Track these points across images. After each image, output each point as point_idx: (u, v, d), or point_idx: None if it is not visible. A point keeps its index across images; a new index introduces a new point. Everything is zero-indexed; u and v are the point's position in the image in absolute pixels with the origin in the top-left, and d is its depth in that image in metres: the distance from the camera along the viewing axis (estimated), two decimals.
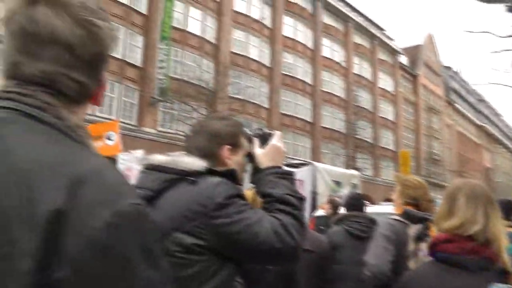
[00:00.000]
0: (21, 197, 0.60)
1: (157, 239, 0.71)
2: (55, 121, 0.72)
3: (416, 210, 2.69)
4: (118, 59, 20.38)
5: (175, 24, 23.24)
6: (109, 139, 8.34)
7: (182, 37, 23.85)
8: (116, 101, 21.06)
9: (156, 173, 1.40)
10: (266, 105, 27.94)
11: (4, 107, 0.71)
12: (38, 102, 0.72)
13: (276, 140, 1.57)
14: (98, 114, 18.93)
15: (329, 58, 33.48)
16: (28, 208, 0.60)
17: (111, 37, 0.81)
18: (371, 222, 3.67)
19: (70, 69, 0.76)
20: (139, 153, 8.09)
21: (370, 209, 4.42)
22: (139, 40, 22.28)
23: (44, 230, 0.58)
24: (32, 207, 0.60)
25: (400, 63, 41.84)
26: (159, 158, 1.45)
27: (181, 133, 20.24)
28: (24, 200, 0.60)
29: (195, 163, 1.39)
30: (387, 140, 37.82)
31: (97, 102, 0.84)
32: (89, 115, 19.04)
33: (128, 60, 21.32)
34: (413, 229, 2.61)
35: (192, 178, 1.35)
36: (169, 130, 22.29)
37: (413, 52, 44.51)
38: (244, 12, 27.77)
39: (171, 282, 0.72)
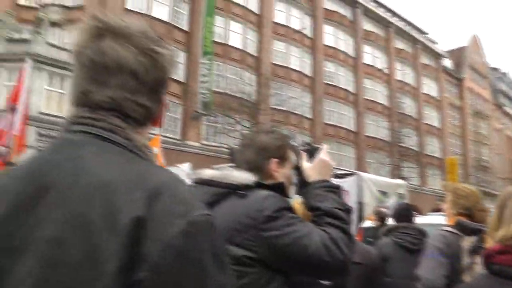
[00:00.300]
0: (104, 208, 0.68)
1: (224, 247, 0.79)
2: (125, 141, 0.80)
3: (470, 220, 2.59)
4: None
5: (216, 39, 23.71)
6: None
7: (224, 51, 24.27)
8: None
9: (206, 187, 1.44)
10: (308, 116, 27.79)
11: (79, 131, 0.80)
12: (110, 125, 0.80)
13: (324, 154, 1.58)
14: None
15: (371, 65, 33.00)
16: (111, 217, 0.67)
17: (171, 63, 0.89)
18: (421, 233, 3.57)
19: (136, 94, 0.83)
20: (185, 166, 8.25)
21: (419, 220, 4.30)
22: (181, 56, 22.83)
23: (127, 236, 0.66)
24: (114, 217, 0.67)
25: (444, 66, 40.61)
26: (209, 172, 1.49)
27: (225, 145, 20.49)
28: (107, 211, 0.68)
29: (244, 176, 1.43)
30: (432, 147, 36.61)
31: (158, 123, 0.91)
32: None
33: (171, 76, 21.84)
34: (467, 241, 2.51)
35: (241, 192, 1.39)
36: (213, 143, 22.61)
37: (458, 54, 43.08)
38: (284, 23, 27.93)
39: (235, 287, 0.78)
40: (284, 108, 25.20)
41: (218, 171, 1.48)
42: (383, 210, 5.12)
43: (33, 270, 0.67)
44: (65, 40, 21.80)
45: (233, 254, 1.29)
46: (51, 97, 19.63)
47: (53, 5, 21.99)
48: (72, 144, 0.79)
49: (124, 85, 0.82)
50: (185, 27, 23.46)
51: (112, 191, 0.70)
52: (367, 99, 31.96)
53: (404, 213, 3.87)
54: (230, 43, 24.90)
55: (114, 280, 0.64)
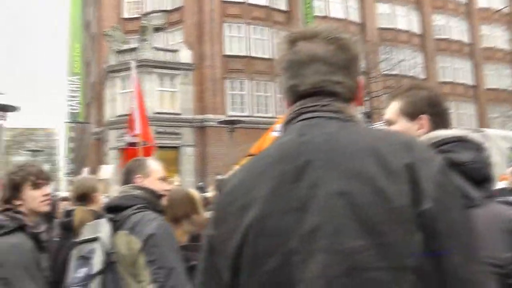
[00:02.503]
0: (376, 162, 0.86)
1: None
2: (342, 115, 0.97)
3: None
4: (267, 59, 21.35)
5: (316, 13, 23.42)
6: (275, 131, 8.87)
7: (325, 23, 23.78)
8: (272, 99, 22.14)
9: None
10: (422, 76, 26.32)
11: (308, 118, 0.98)
12: (325, 106, 0.98)
13: None
14: (256, 114, 19.99)
15: (487, 8, 29.64)
16: (385, 167, 0.85)
17: (355, 44, 1.05)
18: None
19: (329, 75, 1.00)
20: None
21: None
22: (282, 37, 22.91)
23: (405, 178, 0.84)
24: (388, 166, 0.86)
25: None
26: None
27: None
28: (380, 163, 0.86)
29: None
30: None
31: (359, 102, 1.07)
32: (248, 116, 20.27)
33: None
34: None
35: None
36: None
37: None
38: None
39: None
40: (395, 73, 23.97)
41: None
42: None
43: (324, 219, 0.84)
44: (170, 42, 23.15)
45: None
46: (163, 97, 20.99)
47: (154, 12, 23.39)
48: (310, 127, 0.95)
49: (318, 71, 0.99)
50: (283, 7, 23.46)
51: (375, 150, 0.87)
52: (485, 48, 29.05)
53: None
54: (332, 14, 24.56)
55: (410, 212, 0.82)
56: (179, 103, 21.09)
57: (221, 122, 18.19)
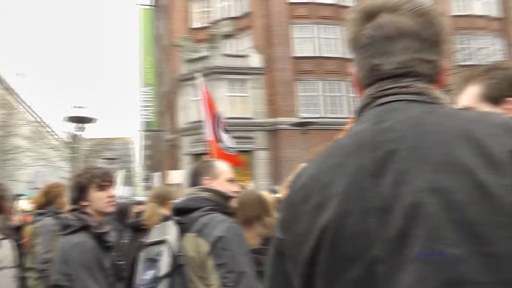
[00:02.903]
0: (473, 149, 0.71)
1: None
2: (427, 98, 0.84)
3: None
4: (338, 58, 20.96)
5: None
6: None
7: None
8: (345, 99, 21.81)
9: None
10: None
11: (389, 102, 0.84)
12: (411, 88, 0.85)
13: None
14: (329, 115, 19.68)
15: None
16: (484, 155, 0.70)
17: (442, 18, 0.91)
18: None
19: (421, 52, 0.86)
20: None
21: None
22: None
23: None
24: (487, 154, 0.70)
25: None
26: None
27: None
28: (477, 151, 0.71)
29: None
30: None
31: (442, 85, 0.92)
32: (321, 117, 20.02)
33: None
34: None
35: None
36: None
37: None
38: None
39: None
40: (472, 63, 22.39)
41: None
42: None
43: (413, 222, 0.70)
44: (239, 48, 23.53)
45: None
46: (235, 102, 21.33)
47: (223, 19, 23.90)
48: (389, 112, 0.82)
49: (409, 47, 0.86)
50: (350, 3, 22.97)
51: (470, 135, 0.73)
52: None
53: None
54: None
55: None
56: (250, 108, 21.32)
57: (293, 125, 18.07)
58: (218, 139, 7.44)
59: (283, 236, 0.84)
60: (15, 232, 3.71)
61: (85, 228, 2.24)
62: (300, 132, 17.11)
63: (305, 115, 20.51)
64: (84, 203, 2.33)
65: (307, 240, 0.78)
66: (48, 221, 3.82)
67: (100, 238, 2.25)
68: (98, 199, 2.34)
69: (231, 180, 2.24)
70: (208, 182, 2.16)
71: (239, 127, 20.52)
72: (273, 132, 21.06)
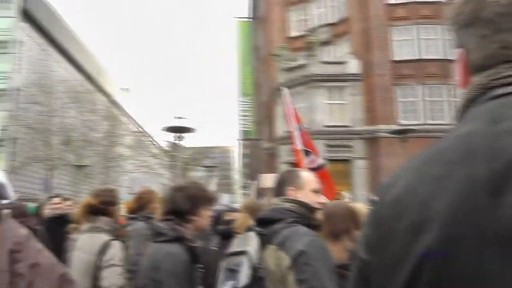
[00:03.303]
0: None
1: None
2: None
3: None
4: (440, 60, 19.79)
5: None
6: None
7: None
8: (446, 104, 20.50)
9: None
10: None
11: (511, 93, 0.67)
12: None
13: None
14: (430, 121, 18.57)
15: None
16: None
17: None
18: None
19: None
20: None
21: None
22: None
23: None
24: None
25: None
26: None
27: None
28: None
29: None
30: None
31: None
32: (422, 124, 18.97)
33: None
34: None
35: None
36: None
37: None
38: None
39: None
40: None
41: None
42: None
43: None
44: (337, 54, 23.20)
45: None
46: (333, 110, 21.01)
47: (320, 26, 23.79)
48: (509, 108, 0.64)
49: None
50: None
51: None
52: None
53: None
54: None
55: None
56: (348, 115, 20.86)
57: (392, 132, 17.33)
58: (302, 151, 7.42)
59: (369, 258, 0.70)
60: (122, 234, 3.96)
61: (179, 239, 2.27)
62: (400, 140, 16.34)
63: (405, 122, 19.57)
64: (193, 217, 2.36)
65: (400, 268, 0.63)
66: (139, 225, 3.98)
67: (192, 251, 2.27)
68: (205, 217, 2.39)
69: (316, 191, 2.15)
70: (293, 193, 2.09)
71: (338, 136, 20.19)
72: (372, 140, 20.36)
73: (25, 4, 34.51)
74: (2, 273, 0.74)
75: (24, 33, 33.87)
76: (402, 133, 16.33)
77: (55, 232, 5.27)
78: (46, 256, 0.82)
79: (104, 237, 2.99)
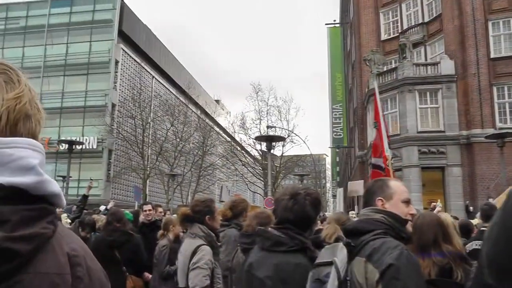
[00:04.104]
0: None
1: None
2: None
3: None
4: None
5: None
6: None
7: None
8: None
9: None
10: None
11: None
12: None
13: None
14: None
15: None
16: None
17: None
18: None
19: None
20: None
21: None
22: None
23: None
24: None
25: None
26: None
27: None
28: None
29: None
30: None
31: None
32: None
33: None
34: None
35: None
36: None
37: None
38: None
39: None
40: None
41: None
42: None
43: None
44: (430, 55, 22.11)
45: None
46: (425, 114, 20.00)
47: (412, 27, 22.89)
48: None
49: None
50: None
51: None
52: None
53: None
54: None
55: None
56: (442, 119, 19.71)
57: (489, 137, 16.05)
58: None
59: (498, 285, 0.54)
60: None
61: (303, 249, 2.25)
62: (498, 145, 15.08)
63: (503, 125, 17.99)
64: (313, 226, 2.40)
65: None
66: (231, 232, 4.13)
67: (313, 261, 2.21)
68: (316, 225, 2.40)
69: (406, 202, 2.07)
70: (382, 203, 2.03)
71: (431, 142, 19.15)
72: (467, 145, 19.03)
73: (121, 26, 37.19)
74: (63, 276, 0.76)
75: (121, 53, 36.46)
76: (500, 137, 15.01)
77: (147, 236, 5.72)
78: (94, 260, 0.85)
79: (197, 242, 3.29)
